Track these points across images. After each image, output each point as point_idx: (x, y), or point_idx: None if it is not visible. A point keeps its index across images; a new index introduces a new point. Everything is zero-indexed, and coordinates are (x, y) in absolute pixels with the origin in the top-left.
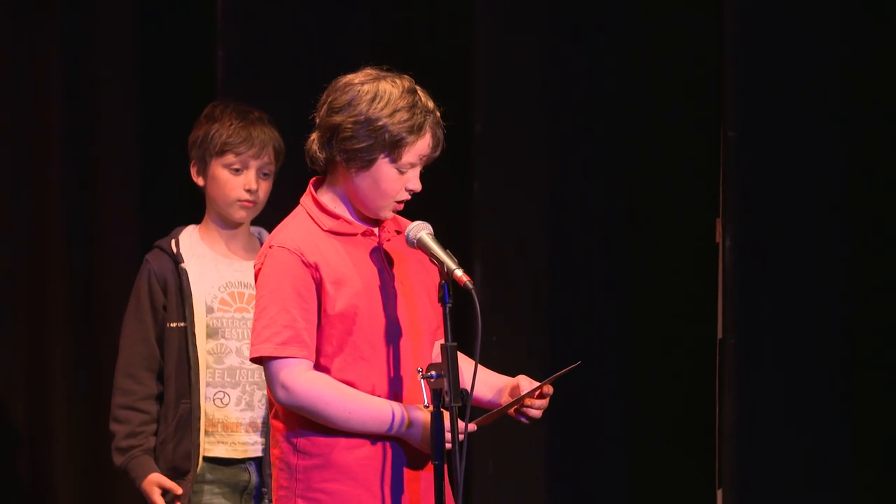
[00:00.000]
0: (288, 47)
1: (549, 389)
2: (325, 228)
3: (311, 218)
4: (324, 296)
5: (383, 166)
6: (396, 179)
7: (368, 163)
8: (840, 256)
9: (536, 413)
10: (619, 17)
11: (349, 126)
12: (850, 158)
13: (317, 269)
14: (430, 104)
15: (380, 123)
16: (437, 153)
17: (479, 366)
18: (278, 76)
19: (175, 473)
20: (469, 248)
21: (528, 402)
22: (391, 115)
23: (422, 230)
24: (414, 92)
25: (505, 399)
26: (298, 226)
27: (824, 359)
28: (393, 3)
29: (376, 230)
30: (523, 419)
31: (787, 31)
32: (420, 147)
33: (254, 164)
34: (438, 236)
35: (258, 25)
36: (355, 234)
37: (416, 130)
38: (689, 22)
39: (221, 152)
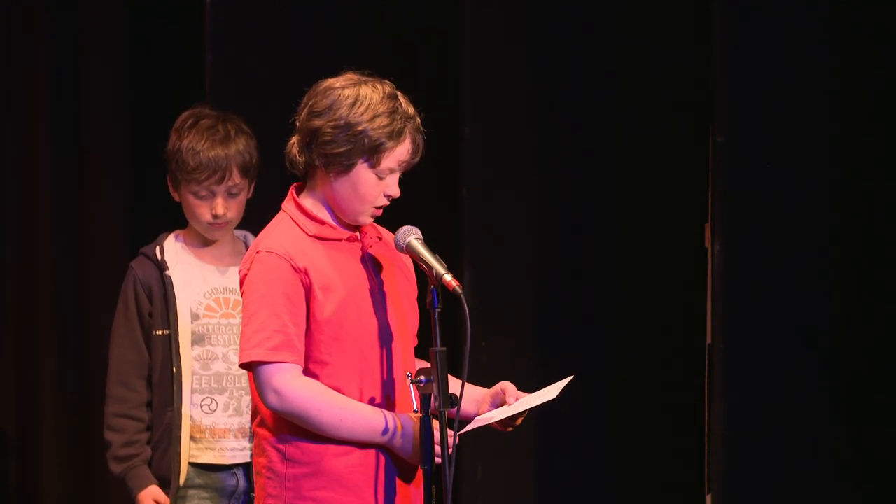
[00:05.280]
0: (277, 51)
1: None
2: (310, 234)
3: (296, 223)
4: (313, 301)
5: (362, 171)
6: (375, 185)
7: (347, 167)
8: (829, 261)
9: (517, 420)
10: (608, 22)
11: (329, 130)
12: (838, 162)
13: (306, 274)
14: (411, 110)
15: (360, 128)
16: (417, 159)
17: (455, 378)
18: (267, 80)
19: (162, 482)
20: (458, 253)
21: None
22: (371, 120)
23: (411, 235)
24: (395, 97)
25: (485, 408)
26: (284, 231)
27: (813, 364)
28: (383, 8)
29: (357, 234)
30: (508, 428)
31: (775, 36)
32: (399, 153)
33: (219, 188)
34: (427, 241)
35: (247, 29)
36: (340, 240)
37: (396, 136)
38: (677, 27)
39: (187, 180)
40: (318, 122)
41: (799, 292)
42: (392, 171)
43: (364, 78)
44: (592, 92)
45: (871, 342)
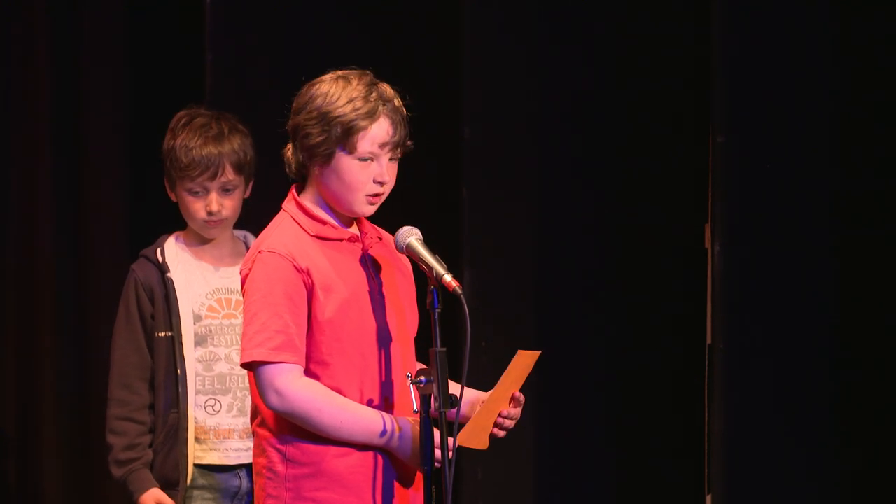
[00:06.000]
0: (277, 51)
1: (521, 398)
2: (311, 233)
3: (297, 223)
4: (314, 302)
5: (342, 158)
6: (359, 170)
7: (327, 157)
8: (829, 261)
9: (510, 423)
10: (608, 23)
11: (306, 124)
12: (838, 162)
13: (308, 274)
14: (390, 92)
15: (331, 115)
16: (398, 138)
17: (454, 382)
18: (267, 80)
19: (165, 484)
20: (458, 253)
21: (503, 413)
22: (343, 105)
23: (411, 235)
24: (372, 84)
25: (478, 409)
26: (286, 231)
27: (813, 364)
28: (383, 8)
29: (358, 234)
30: (501, 433)
31: (775, 37)
32: (376, 134)
33: (212, 185)
34: (427, 241)
35: (247, 29)
36: (341, 240)
37: (368, 116)
38: (677, 27)
39: (181, 177)
40: (297, 119)
41: (799, 292)
42: (373, 154)
43: (344, 72)
44: (592, 92)
45: (871, 342)
